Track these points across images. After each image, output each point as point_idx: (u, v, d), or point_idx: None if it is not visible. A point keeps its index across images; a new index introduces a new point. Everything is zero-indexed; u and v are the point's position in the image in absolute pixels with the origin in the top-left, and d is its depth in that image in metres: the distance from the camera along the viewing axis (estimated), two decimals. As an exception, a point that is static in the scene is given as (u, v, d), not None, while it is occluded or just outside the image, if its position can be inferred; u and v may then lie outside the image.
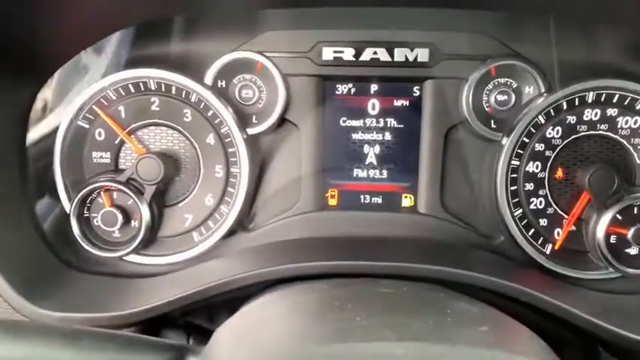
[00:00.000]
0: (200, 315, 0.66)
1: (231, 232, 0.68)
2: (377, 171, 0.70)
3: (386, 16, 0.68)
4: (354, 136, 0.70)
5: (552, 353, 0.48)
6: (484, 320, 0.50)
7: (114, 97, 0.66)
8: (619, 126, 0.66)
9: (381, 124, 0.69)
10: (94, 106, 0.66)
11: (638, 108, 0.65)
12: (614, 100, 0.66)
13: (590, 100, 0.66)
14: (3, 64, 0.53)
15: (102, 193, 0.67)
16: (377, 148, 0.69)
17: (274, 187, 0.70)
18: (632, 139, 0.65)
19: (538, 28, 0.67)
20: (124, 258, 0.67)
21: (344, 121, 0.69)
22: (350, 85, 0.69)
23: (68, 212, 0.67)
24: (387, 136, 0.69)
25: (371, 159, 0.70)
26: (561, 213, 0.67)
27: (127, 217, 0.67)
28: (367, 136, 0.69)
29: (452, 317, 0.50)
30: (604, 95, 0.66)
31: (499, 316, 0.52)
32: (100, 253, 0.66)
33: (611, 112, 0.66)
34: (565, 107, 0.66)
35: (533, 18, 0.68)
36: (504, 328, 0.50)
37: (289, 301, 0.54)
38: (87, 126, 0.67)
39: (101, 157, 0.68)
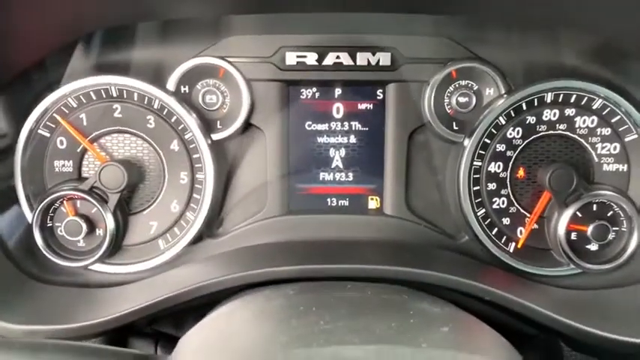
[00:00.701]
0: (167, 322, 0.65)
1: (197, 239, 0.67)
2: (343, 174, 0.70)
3: (348, 21, 0.68)
4: (320, 139, 0.70)
5: (514, 351, 0.48)
6: (446, 320, 0.50)
7: (75, 105, 0.66)
8: (577, 125, 0.68)
9: (346, 128, 0.69)
10: (54, 114, 0.66)
11: (594, 108, 0.67)
12: (572, 100, 0.68)
13: (548, 101, 0.68)
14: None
15: (65, 202, 0.66)
16: (342, 152, 0.70)
17: (241, 192, 0.70)
18: (590, 138, 0.67)
19: (497, 31, 0.68)
20: (90, 267, 0.66)
21: (309, 125, 0.69)
22: (314, 90, 0.69)
23: (31, 222, 0.65)
24: (352, 139, 0.69)
25: (337, 162, 0.70)
26: (523, 212, 0.69)
27: (92, 226, 0.66)
28: (332, 140, 0.70)
29: (415, 318, 0.49)
30: (562, 95, 0.67)
31: (462, 315, 0.52)
32: (64, 263, 0.65)
33: (569, 112, 0.68)
34: (525, 108, 0.67)
35: (492, 21, 0.67)
36: (466, 328, 0.50)
37: (254, 308, 0.53)
38: (48, 134, 0.66)
39: (63, 165, 0.67)
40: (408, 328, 0.49)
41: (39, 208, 0.65)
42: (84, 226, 0.66)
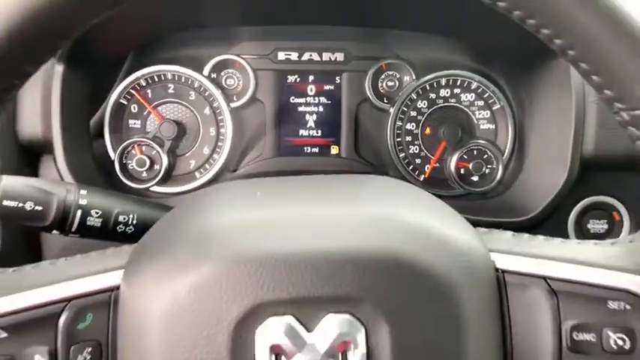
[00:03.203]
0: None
1: (220, 172, 0.87)
2: (314, 131, 0.89)
3: (318, 32, 0.87)
4: (299, 108, 0.88)
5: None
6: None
7: (144, 84, 0.85)
8: (462, 99, 0.88)
9: (316, 101, 0.88)
10: (130, 89, 0.85)
11: (472, 88, 0.88)
12: (458, 83, 0.88)
13: (443, 83, 0.88)
14: (82, 59, 0.75)
15: (135, 146, 0.85)
16: (314, 117, 0.89)
17: (249, 143, 0.88)
18: (470, 108, 0.88)
19: (411, 39, 0.87)
20: (150, 189, 0.85)
21: (292, 99, 0.88)
22: (296, 76, 0.88)
23: (113, 159, 0.85)
24: (320, 108, 0.88)
25: (310, 123, 0.89)
26: (429, 155, 0.89)
27: (152, 162, 0.85)
28: (307, 109, 0.88)
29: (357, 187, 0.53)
30: (451, 80, 0.88)
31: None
32: (133, 185, 0.84)
33: (457, 90, 0.88)
34: (428, 88, 0.88)
35: (407, 32, 0.87)
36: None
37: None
38: (126, 102, 0.86)
39: (134, 123, 0.86)
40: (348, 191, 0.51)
41: (119, 150, 0.84)
42: (147, 161, 0.84)
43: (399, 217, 0.44)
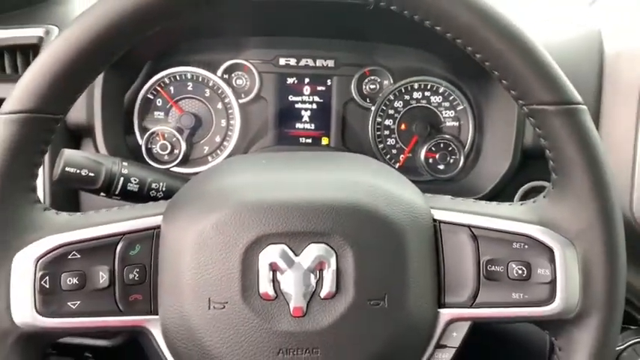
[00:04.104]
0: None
1: (229, 157, 0.97)
2: (308, 124, 0.98)
3: (313, 42, 0.95)
4: (296, 105, 0.97)
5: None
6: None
7: (167, 82, 0.95)
8: (432, 101, 0.97)
9: (310, 99, 0.97)
10: (156, 86, 0.95)
11: (440, 92, 0.96)
12: (428, 87, 0.96)
13: (416, 87, 0.96)
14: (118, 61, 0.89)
15: (159, 133, 0.94)
16: (308, 112, 0.98)
17: (254, 133, 0.97)
18: (439, 108, 0.97)
19: (389, 50, 0.96)
20: (170, 169, 0.93)
21: (291, 98, 0.97)
22: (294, 78, 0.97)
23: (140, 144, 0.95)
24: (314, 105, 0.97)
25: (305, 118, 0.98)
26: (404, 147, 0.98)
27: (172, 148, 0.94)
28: (303, 106, 0.97)
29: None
30: (422, 84, 0.96)
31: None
32: (156, 166, 0.92)
33: (427, 93, 0.97)
34: (403, 91, 0.96)
35: (387, 44, 0.96)
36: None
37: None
38: (152, 97, 0.95)
39: (159, 114, 0.96)
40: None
41: (145, 136, 0.94)
42: (169, 146, 0.94)
43: (364, 178, 0.59)
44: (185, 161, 0.96)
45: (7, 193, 0.53)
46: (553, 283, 0.52)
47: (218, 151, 0.98)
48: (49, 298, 0.54)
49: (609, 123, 0.88)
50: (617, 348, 0.90)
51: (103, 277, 0.55)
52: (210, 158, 0.98)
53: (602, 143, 0.55)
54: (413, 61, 0.97)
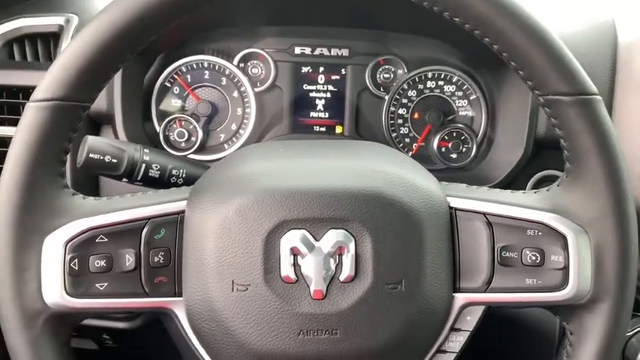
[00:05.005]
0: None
1: (245, 145, 0.98)
2: (322, 113, 0.99)
3: (328, 32, 0.96)
4: (311, 94, 0.98)
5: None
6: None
7: (184, 70, 0.96)
8: (445, 90, 0.97)
9: (325, 88, 0.98)
10: (173, 74, 0.96)
11: (454, 81, 0.97)
12: (442, 77, 0.97)
13: (429, 76, 0.97)
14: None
15: (176, 121, 0.95)
16: (322, 101, 0.98)
17: (269, 121, 0.98)
18: (452, 97, 0.97)
19: (403, 40, 0.97)
20: (187, 157, 0.94)
21: (305, 87, 0.98)
22: (309, 67, 0.97)
23: (158, 131, 0.95)
24: (328, 94, 0.98)
25: (319, 107, 0.99)
26: (417, 135, 0.98)
27: (190, 135, 0.95)
28: (317, 95, 0.98)
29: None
30: (436, 74, 0.97)
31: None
32: (174, 152, 0.93)
33: (440, 82, 0.97)
34: (417, 80, 0.97)
35: (401, 34, 0.96)
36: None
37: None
38: (169, 85, 0.96)
39: (176, 102, 0.97)
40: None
41: (163, 124, 0.94)
42: (186, 134, 0.95)
43: (382, 166, 0.61)
44: (202, 149, 0.97)
45: (37, 178, 0.55)
46: (566, 269, 0.54)
47: (234, 139, 0.99)
48: (77, 279, 0.56)
49: (623, 113, 0.89)
50: (627, 334, 0.91)
51: (129, 260, 0.57)
52: (226, 146, 0.99)
53: (616, 133, 0.56)
54: (427, 51, 0.97)
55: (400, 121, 0.99)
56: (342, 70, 0.98)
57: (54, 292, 0.51)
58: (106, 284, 0.53)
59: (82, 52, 0.54)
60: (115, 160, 0.73)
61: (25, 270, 0.50)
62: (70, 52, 0.54)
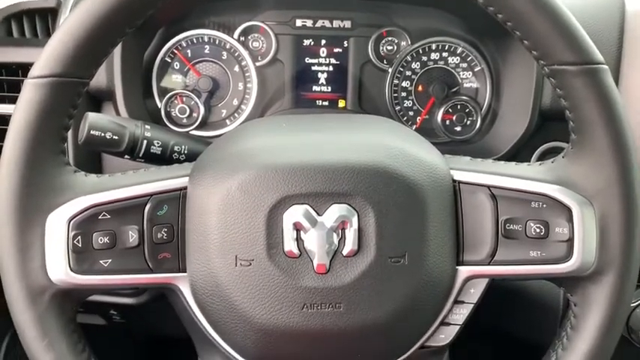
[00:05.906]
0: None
1: (247, 121, 0.97)
2: (325, 87, 0.98)
3: (330, 3, 0.94)
4: (313, 68, 0.97)
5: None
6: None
7: (184, 45, 0.95)
8: (449, 62, 0.96)
9: (327, 62, 0.97)
10: (174, 49, 0.95)
11: (458, 52, 0.96)
12: (446, 48, 0.96)
13: (433, 48, 0.96)
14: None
15: (177, 96, 0.94)
16: (325, 75, 0.98)
17: (271, 96, 0.97)
18: (456, 69, 0.96)
19: (406, 10, 0.95)
20: (189, 133, 0.94)
21: (307, 60, 0.97)
22: (310, 40, 0.96)
23: (159, 107, 0.94)
24: (330, 67, 0.97)
25: (322, 80, 0.98)
26: (420, 108, 0.98)
27: (191, 111, 0.95)
28: (320, 68, 0.97)
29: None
30: (440, 45, 0.96)
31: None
32: (176, 129, 0.93)
33: (445, 54, 0.96)
34: (421, 52, 0.96)
35: (404, 5, 0.95)
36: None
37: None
38: (169, 60, 0.96)
39: (177, 77, 0.96)
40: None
41: (164, 100, 0.94)
42: (187, 110, 0.94)
43: (385, 140, 0.60)
44: (203, 124, 0.96)
45: (38, 156, 0.55)
46: (570, 241, 0.54)
47: (236, 114, 0.98)
48: (81, 256, 0.56)
49: (630, 82, 0.88)
50: (631, 305, 0.92)
51: (132, 237, 0.57)
52: (228, 121, 0.98)
53: (623, 103, 0.55)
54: (430, 22, 0.96)
55: (404, 94, 0.99)
56: (345, 42, 0.97)
57: (58, 269, 0.52)
58: (110, 261, 0.53)
59: (80, 27, 0.53)
60: (116, 137, 0.73)
61: (28, 247, 0.50)
62: (67, 28, 0.53)
